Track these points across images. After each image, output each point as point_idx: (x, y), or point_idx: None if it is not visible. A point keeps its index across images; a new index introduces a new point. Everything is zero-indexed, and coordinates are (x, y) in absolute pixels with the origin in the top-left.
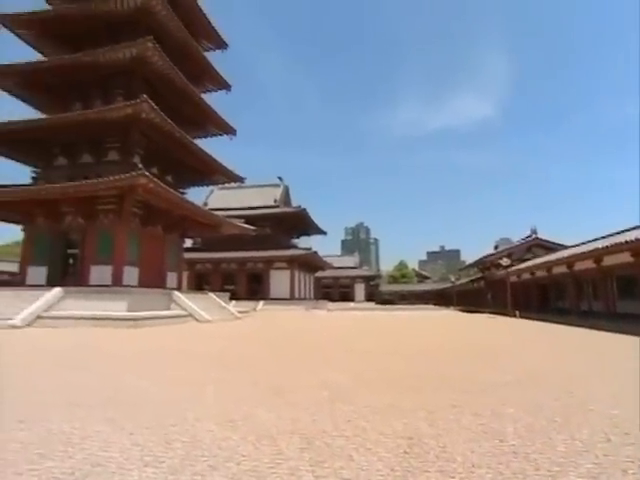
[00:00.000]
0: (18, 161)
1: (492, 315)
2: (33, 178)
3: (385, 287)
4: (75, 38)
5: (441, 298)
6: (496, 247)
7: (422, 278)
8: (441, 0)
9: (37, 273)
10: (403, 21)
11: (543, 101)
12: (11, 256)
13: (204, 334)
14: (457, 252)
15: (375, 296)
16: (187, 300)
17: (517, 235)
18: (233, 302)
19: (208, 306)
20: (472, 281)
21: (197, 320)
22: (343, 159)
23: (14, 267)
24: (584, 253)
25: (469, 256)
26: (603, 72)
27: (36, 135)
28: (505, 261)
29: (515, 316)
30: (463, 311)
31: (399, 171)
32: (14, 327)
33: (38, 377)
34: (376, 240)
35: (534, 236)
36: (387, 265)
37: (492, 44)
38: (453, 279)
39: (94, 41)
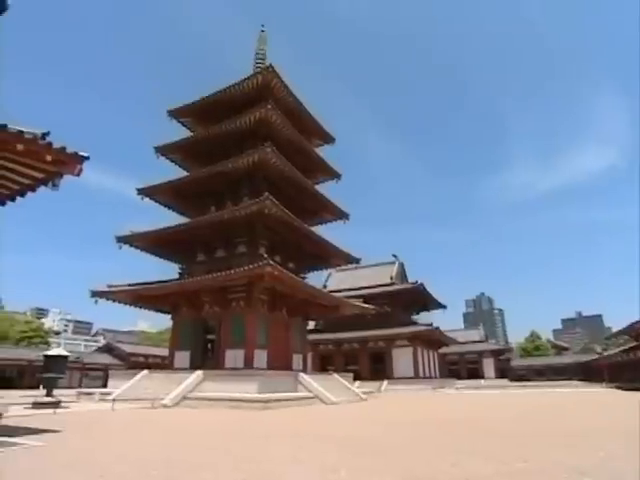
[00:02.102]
0: (169, 260)
1: None
2: (179, 274)
3: (517, 361)
4: (208, 153)
5: (586, 372)
6: None
7: (559, 350)
8: (543, 57)
9: (182, 357)
10: (506, 79)
11: None
12: (165, 342)
13: (331, 416)
14: (599, 317)
15: (507, 372)
16: (312, 382)
17: None
18: (357, 382)
19: (333, 387)
20: (625, 351)
21: (323, 402)
22: (457, 230)
23: (166, 352)
24: None
25: (615, 322)
26: None
27: (182, 236)
28: None
29: None
30: (621, 388)
31: (518, 236)
32: (165, 406)
33: (189, 455)
34: (501, 310)
35: None
36: (516, 337)
37: (605, 87)
38: (599, 349)
39: (223, 152)
